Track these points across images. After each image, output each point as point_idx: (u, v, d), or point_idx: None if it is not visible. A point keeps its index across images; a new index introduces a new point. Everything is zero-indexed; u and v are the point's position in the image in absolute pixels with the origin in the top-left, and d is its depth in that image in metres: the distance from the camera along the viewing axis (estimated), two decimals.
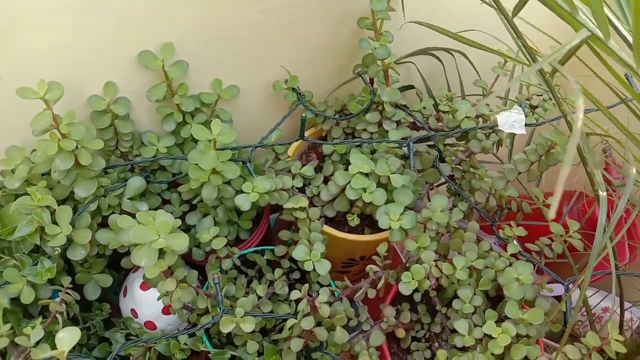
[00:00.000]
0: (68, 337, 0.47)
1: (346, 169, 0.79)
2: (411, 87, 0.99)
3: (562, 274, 0.77)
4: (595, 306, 1.11)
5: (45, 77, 0.64)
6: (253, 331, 0.76)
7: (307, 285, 0.68)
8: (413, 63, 0.98)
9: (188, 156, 0.72)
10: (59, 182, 0.71)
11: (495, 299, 0.81)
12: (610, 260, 0.64)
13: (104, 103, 0.75)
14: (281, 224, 1.09)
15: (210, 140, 0.71)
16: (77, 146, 0.68)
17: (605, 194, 0.47)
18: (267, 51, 0.84)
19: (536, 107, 0.89)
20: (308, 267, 0.73)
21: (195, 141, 0.84)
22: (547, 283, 0.74)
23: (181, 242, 0.61)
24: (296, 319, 0.69)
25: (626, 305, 0.98)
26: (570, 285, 0.73)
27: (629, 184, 0.47)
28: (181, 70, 0.76)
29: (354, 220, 0.80)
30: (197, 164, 0.73)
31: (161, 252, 0.64)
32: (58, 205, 0.68)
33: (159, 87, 0.76)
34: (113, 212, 0.75)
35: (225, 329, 0.67)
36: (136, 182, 0.76)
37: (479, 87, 0.96)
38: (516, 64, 0.96)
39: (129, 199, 0.76)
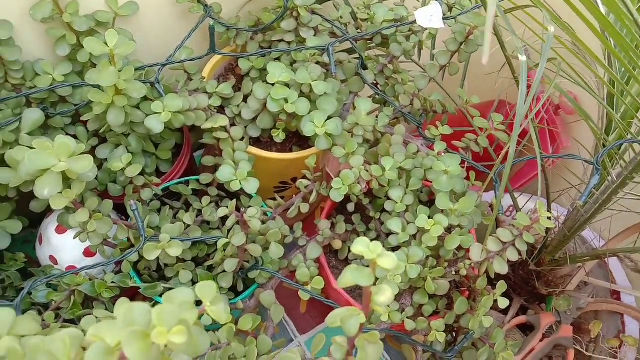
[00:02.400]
0: None
1: (265, 83, 0.75)
2: None
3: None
4: (523, 207, 1.15)
5: None
6: (184, 260, 0.72)
7: (234, 201, 0.65)
8: None
9: (86, 77, 0.65)
10: None
11: (427, 203, 0.81)
12: (535, 149, 0.64)
13: None
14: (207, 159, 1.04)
15: (107, 56, 0.64)
16: None
17: (525, 58, 0.45)
18: None
19: (454, 5, 0.87)
20: (235, 186, 0.69)
21: (96, 66, 0.77)
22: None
23: (85, 164, 0.55)
24: (226, 237, 0.66)
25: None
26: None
27: (549, 42, 0.46)
28: None
29: (279, 136, 0.76)
30: (97, 86, 0.66)
31: (67, 181, 0.58)
32: None
33: (44, 3, 0.68)
34: (10, 149, 0.67)
35: (150, 255, 0.63)
36: (33, 115, 0.68)
37: None
38: None
39: (27, 134, 0.69)
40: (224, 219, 0.82)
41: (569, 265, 0.87)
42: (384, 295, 0.35)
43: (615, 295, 1.01)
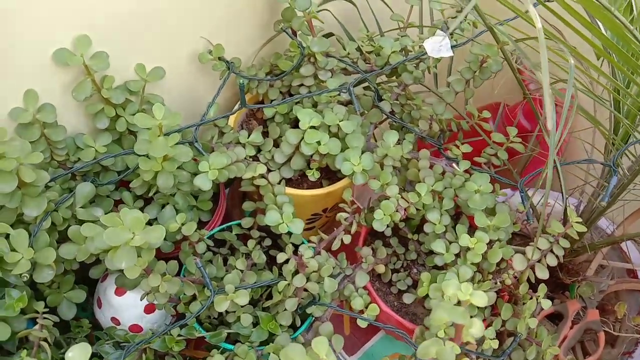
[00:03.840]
0: (79, 354, 0.45)
1: (293, 127, 0.79)
2: (331, 34, 1.00)
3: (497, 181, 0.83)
4: (537, 204, 1.21)
5: None
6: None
7: (290, 245, 0.69)
8: (328, 10, 0.98)
9: (135, 148, 0.69)
10: (3, 207, 0.66)
11: (454, 217, 0.86)
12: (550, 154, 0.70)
13: (29, 114, 0.69)
14: (234, 197, 1.08)
15: (153, 127, 0.68)
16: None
17: (549, 92, 0.51)
18: (183, 23, 0.81)
19: (452, 33, 0.93)
20: (283, 229, 0.74)
21: (132, 133, 0.81)
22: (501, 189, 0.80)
23: (158, 235, 0.59)
24: (286, 280, 0.70)
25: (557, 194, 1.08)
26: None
27: (571, 73, 0.51)
28: (102, 61, 0.72)
29: (314, 175, 0.81)
30: (146, 155, 0.70)
31: (137, 250, 0.62)
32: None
33: (84, 83, 0.72)
34: (69, 225, 0.71)
35: (221, 307, 0.67)
36: (85, 189, 0.72)
37: (395, 22, 0.99)
38: None
39: (81, 207, 0.72)
40: (271, 258, 0.86)
41: (589, 253, 0.92)
42: (475, 327, 0.40)
43: (632, 274, 1.07)
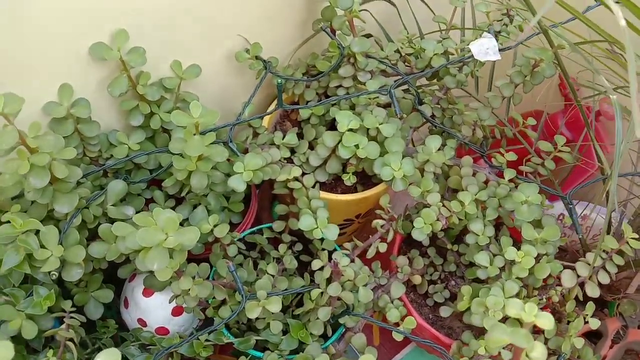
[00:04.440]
0: (108, 359, 0.43)
1: (329, 130, 0.76)
2: (369, 35, 0.97)
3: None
4: (579, 216, 1.16)
5: None
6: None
7: (326, 252, 0.66)
8: (367, 11, 0.95)
9: (170, 147, 0.67)
10: (34, 202, 0.65)
11: (494, 227, 0.82)
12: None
13: (63, 108, 0.68)
14: (263, 199, 1.06)
15: (189, 125, 0.66)
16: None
17: (615, 97, 0.47)
18: (221, 21, 0.79)
19: (499, 32, 0.89)
20: (317, 235, 0.71)
21: (166, 131, 0.80)
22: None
23: (192, 237, 0.57)
24: (319, 288, 0.68)
25: (598, 207, 1.03)
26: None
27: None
28: (139, 57, 0.70)
29: (350, 179, 0.78)
30: (180, 154, 0.68)
31: (169, 251, 0.60)
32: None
33: (120, 79, 0.70)
34: (99, 223, 0.69)
35: (252, 314, 0.64)
36: (117, 186, 0.71)
37: (436, 24, 0.95)
38: None
39: (112, 205, 0.71)
40: (301, 264, 0.83)
41: (634, 269, 0.87)
42: (537, 352, 0.37)
43: None
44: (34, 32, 0.61)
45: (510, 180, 0.77)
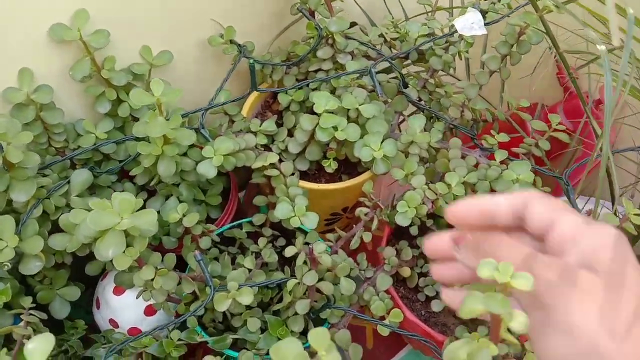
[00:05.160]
0: (39, 346, 0.38)
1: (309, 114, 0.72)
2: (354, 24, 0.93)
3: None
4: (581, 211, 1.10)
5: None
6: (250, 307, 0.69)
7: (301, 238, 0.62)
8: None
9: (133, 131, 0.63)
10: None
11: None
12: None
13: (23, 93, 0.65)
14: (250, 199, 1.02)
15: (153, 106, 0.62)
16: (2, 144, 0.58)
17: (604, 47, 0.42)
18: (194, 6, 0.75)
19: (487, 12, 0.85)
20: (294, 223, 0.66)
21: (137, 120, 0.76)
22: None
23: (149, 219, 0.53)
24: (296, 278, 0.63)
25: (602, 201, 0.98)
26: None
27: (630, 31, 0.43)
28: (103, 38, 0.67)
29: (330, 165, 0.74)
30: (145, 138, 0.64)
31: (128, 239, 0.55)
32: None
33: (82, 62, 0.67)
34: (62, 214, 0.65)
35: (221, 306, 0.59)
36: (81, 176, 0.67)
37: (422, 8, 0.92)
38: None
39: (77, 196, 0.67)
40: (284, 260, 0.78)
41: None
42: (517, 321, 0.31)
43: None
44: None
45: (502, 163, 0.72)
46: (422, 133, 0.69)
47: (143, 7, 0.70)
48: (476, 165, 0.72)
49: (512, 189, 0.64)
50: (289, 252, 0.61)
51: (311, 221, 0.67)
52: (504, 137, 0.74)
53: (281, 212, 0.66)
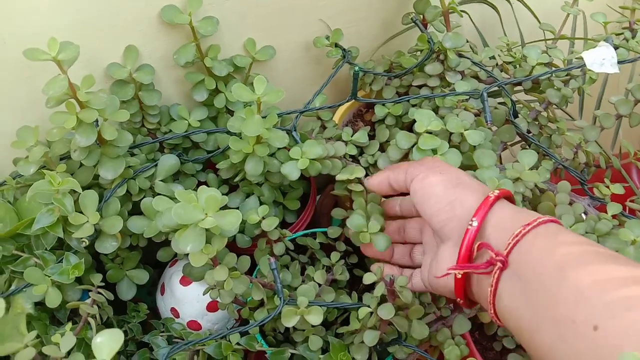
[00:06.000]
0: (108, 342, 0.36)
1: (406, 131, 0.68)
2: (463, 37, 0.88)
3: None
4: None
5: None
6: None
7: (382, 264, 0.57)
8: (466, 12, 0.86)
9: (227, 124, 0.62)
10: (81, 164, 0.61)
11: None
12: None
13: (126, 71, 0.64)
14: (323, 206, 0.99)
15: (252, 103, 0.60)
16: (97, 120, 0.57)
17: None
18: (304, 4, 0.73)
19: (617, 47, 0.77)
20: (364, 239, 0.61)
21: (231, 113, 0.74)
22: None
23: (233, 220, 0.50)
24: (369, 307, 0.58)
25: None
26: None
27: None
28: (211, 26, 0.65)
29: None
30: (237, 134, 0.62)
31: (207, 235, 0.53)
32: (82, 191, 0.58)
33: (188, 47, 0.66)
34: (144, 197, 0.64)
35: (288, 322, 0.56)
36: (169, 161, 0.66)
37: (540, 34, 0.85)
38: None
39: (161, 180, 0.66)
40: (353, 278, 0.75)
41: None
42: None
43: None
44: None
45: (614, 217, 0.64)
46: (530, 171, 0.62)
47: (256, 1, 0.68)
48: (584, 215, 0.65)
49: (626, 251, 0.56)
50: (366, 279, 0.56)
51: (383, 243, 0.62)
52: (619, 189, 0.66)
53: (353, 222, 0.62)
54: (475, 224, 0.45)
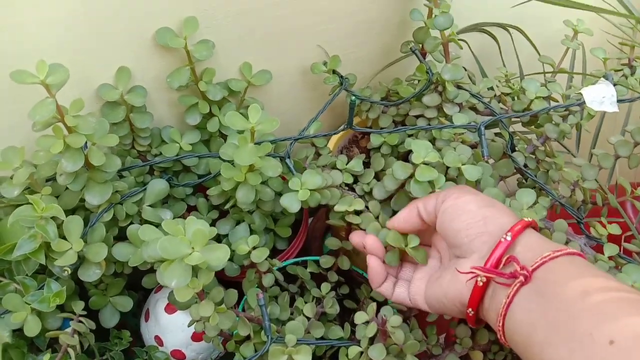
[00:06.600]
0: None
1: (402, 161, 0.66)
2: (462, 69, 0.87)
3: None
4: None
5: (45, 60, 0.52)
6: None
7: (374, 304, 0.56)
8: (465, 41, 0.86)
9: (220, 151, 0.60)
10: (67, 188, 0.59)
11: None
12: None
13: (117, 92, 0.63)
14: (315, 230, 0.97)
15: (245, 131, 0.58)
16: (86, 143, 0.56)
17: None
18: (302, 28, 0.72)
19: (615, 84, 0.76)
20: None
21: (224, 137, 0.73)
22: None
23: (221, 256, 0.48)
24: (359, 345, 0.57)
25: None
26: None
27: None
28: (207, 50, 0.64)
29: None
30: (230, 161, 0.61)
31: (194, 269, 0.51)
32: (66, 216, 0.56)
33: (182, 71, 0.65)
34: (132, 222, 0.63)
35: None
36: (158, 186, 0.64)
37: (539, 67, 0.84)
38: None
39: (149, 205, 0.64)
40: (343, 309, 0.73)
41: None
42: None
43: None
44: (101, 10, 0.57)
45: (610, 259, 0.63)
46: (529, 210, 0.61)
47: (253, 25, 0.67)
48: None
49: None
50: (358, 319, 0.55)
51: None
52: (616, 229, 0.66)
53: (391, 238, 0.59)
54: (509, 238, 0.47)
